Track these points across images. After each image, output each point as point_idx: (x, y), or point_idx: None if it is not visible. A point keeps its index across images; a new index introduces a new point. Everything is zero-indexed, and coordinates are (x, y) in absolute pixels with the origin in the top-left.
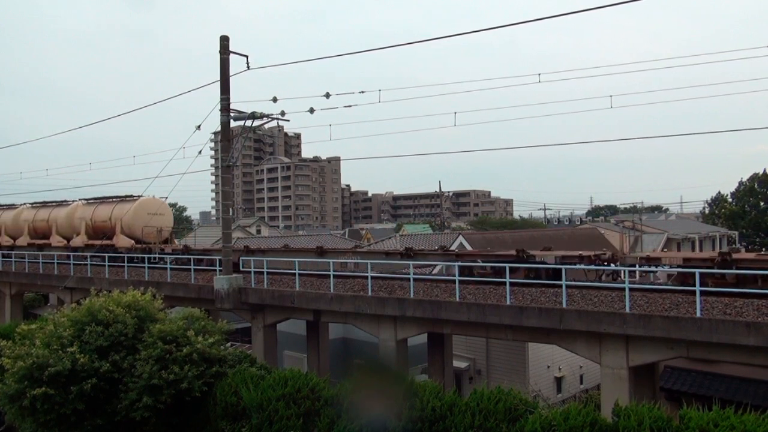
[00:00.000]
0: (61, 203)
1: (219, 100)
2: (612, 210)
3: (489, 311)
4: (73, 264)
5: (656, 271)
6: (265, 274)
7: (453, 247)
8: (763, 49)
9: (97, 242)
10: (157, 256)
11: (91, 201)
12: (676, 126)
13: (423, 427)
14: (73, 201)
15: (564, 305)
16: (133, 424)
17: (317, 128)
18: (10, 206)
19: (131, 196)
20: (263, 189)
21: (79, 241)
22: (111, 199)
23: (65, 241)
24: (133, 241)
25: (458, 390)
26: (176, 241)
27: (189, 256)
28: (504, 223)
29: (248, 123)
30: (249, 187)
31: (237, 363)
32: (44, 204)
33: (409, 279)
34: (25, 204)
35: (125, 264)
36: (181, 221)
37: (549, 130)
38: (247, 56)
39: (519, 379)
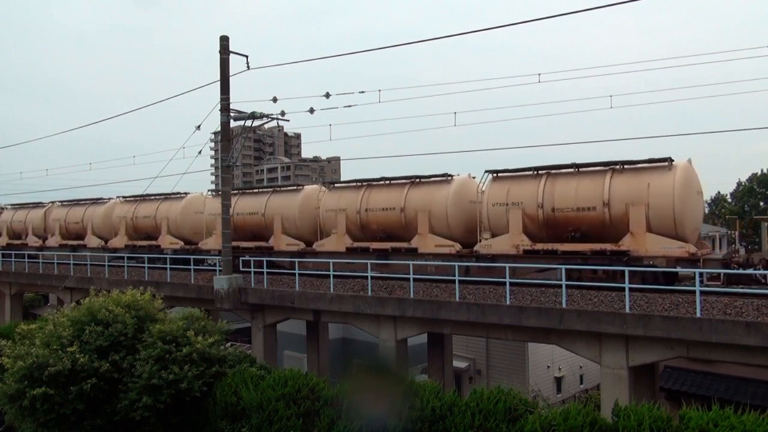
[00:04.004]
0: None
1: (219, 100)
2: None
3: (489, 311)
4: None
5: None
6: (264, 274)
7: None
8: (764, 49)
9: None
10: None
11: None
12: (676, 126)
13: (423, 427)
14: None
15: (564, 305)
16: (133, 424)
17: (317, 128)
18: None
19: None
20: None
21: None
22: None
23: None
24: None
25: (458, 390)
26: None
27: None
28: None
29: (248, 123)
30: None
31: (237, 363)
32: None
33: (409, 279)
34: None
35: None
36: None
37: (549, 130)
38: (247, 56)
39: (519, 379)
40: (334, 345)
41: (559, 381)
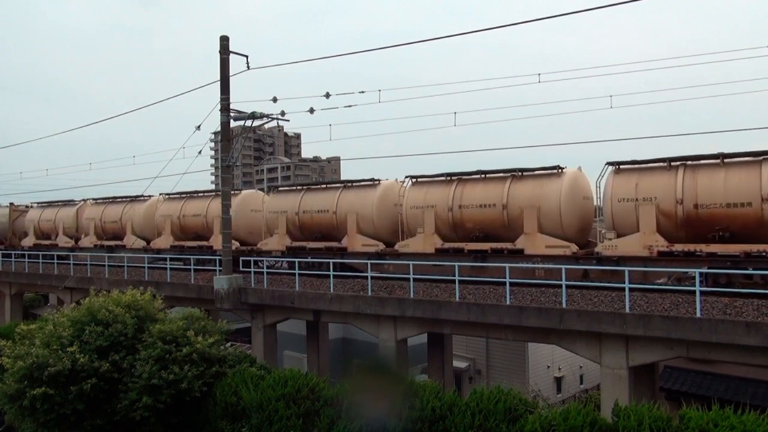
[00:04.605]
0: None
1: (219, 100)
2: None
3: (489, 311)
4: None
5: None
6: (264, 274)
7: None
8: (764, 49)
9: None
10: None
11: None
12: (676, 126)
13: (423, 427)
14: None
15: (564, 305)
16: (133, 424)
17: (317, 128)
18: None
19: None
20: (263, 189)
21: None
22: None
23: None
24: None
25: (458, 390)
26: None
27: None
28: None
29: (248, 123)
30: (249, 187)
31: (237, 363)
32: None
33: (408, 279)
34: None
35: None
36: None
37: (549, 130)
38: (247, 56)
39: (519, 379)
40: (334, 345)
41: (559, 381)
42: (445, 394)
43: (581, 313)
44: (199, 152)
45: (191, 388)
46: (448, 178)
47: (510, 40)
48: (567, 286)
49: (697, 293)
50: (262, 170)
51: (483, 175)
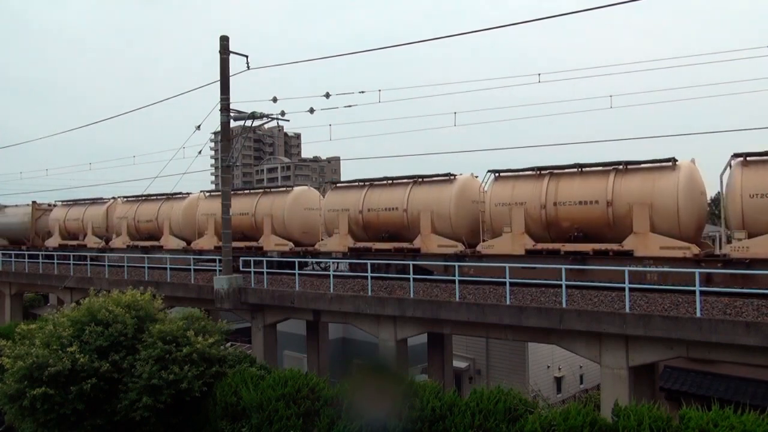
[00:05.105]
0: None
1: (219, 100)
2: None
3: (489, 311)
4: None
5: None
6: (264, 274)
7: None
8: (764, 49)
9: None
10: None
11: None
12: (676, 126)
13: (423, 427)
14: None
15: (564, 305)
16: (133, 424)
17: (317, 128)
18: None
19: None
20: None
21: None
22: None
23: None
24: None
25: (458, 390)
26: None
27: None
28: None
29: (248, 123)
30: (249, 187)
31: (237, 363)
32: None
33: (408, 279)
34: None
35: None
36: None
37: (549, 130)
38: (247, 56)
39: (519, 379)
40: (334, 345)
41: (559, 381)
42: (445, 394)
43: (581, 313)
44: (199, 152)
45: (191, 388)
46: (539, 172)
47: (510, 40)
48: (567, 286)
49: (697, 293)
50: (262, 170)
51: (579, 169)
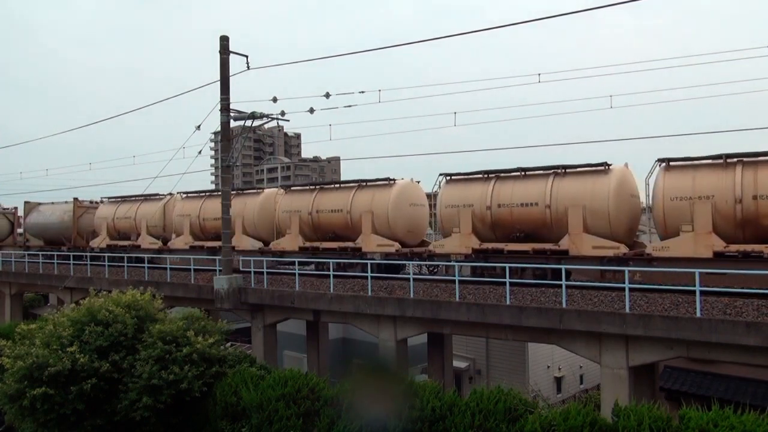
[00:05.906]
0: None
1: (219, 100)
2: None
3: (489, 311)
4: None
5: None
6: (264, 273)
7: None
8: (764, 49)
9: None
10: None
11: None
12: (676, 126)
13: (423, 427)
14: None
15: (564, 305)
16: (133, 424)
17: (317, 128)
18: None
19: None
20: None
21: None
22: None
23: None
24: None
25: (458, 390)
26: None
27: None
28: None
29: (248, 123)
30: (249, 186)
31: (237, 363)
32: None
33: (408, 279)
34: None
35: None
36: None
37: (549, 130)
38: (247, 56)
39: (519, 379)
40: (334, 345)
41: (559, 381)
42: (445, 394)
43: (581, 313)
44: (199, 152)
45: (191, 388)
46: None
47: (511, 40)
48: (567, 286)
49: (697, 293)
50: (262, 170)
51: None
